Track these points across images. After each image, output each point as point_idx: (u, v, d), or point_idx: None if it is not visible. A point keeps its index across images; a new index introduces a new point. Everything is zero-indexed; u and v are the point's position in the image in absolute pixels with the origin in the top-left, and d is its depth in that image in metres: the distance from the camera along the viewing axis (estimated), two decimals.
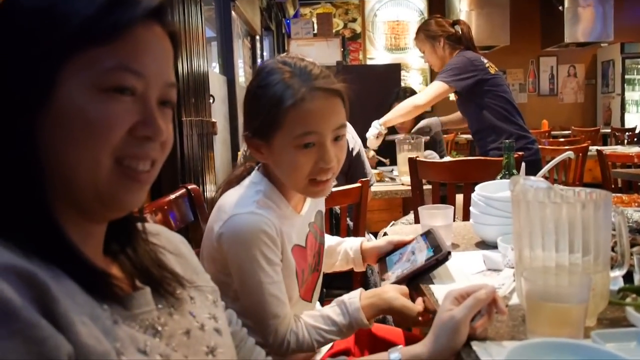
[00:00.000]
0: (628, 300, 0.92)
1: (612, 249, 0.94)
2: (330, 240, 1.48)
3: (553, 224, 0.87)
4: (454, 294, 0.89)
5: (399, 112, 2.98)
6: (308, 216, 1.26)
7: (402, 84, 5.73)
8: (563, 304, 0.81)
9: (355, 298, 1.15)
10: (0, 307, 0.46)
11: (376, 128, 2.99)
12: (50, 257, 0.55)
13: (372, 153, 3.10)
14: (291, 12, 7.05)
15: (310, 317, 1.15)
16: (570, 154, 1.38)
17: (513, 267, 1.18)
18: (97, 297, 0.57)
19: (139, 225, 0.74)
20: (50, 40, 0.57)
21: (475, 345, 0.84)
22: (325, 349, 1.31)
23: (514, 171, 1.57)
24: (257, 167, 1.23)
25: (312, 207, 1.29)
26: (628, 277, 0.96)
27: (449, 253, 1.18)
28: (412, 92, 3.69)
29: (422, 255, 1.22)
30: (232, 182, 1.24)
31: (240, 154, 1.30)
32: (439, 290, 1.11)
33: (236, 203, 1.13)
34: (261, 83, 1.10)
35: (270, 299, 1.09)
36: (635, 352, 0.78)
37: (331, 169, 1.11)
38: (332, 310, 1.16)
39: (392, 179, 3.08)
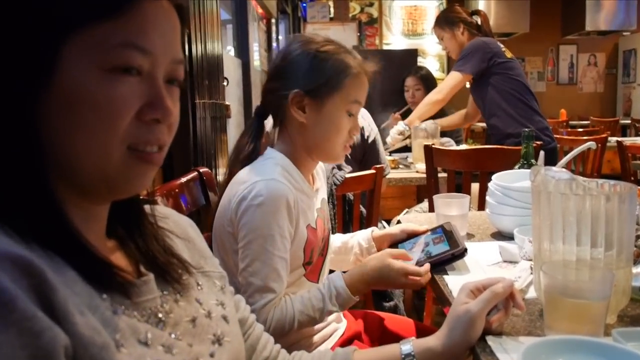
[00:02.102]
0: None
1: (635, 244, 0.91)
2: (341, 237, 1.48)
3: (575, 217, 0.83)
4: (470, 286, 0.86)
5: (421, 111, 3.01)
6: (317, 201, 1.27)
7: None
8: (583, 300, 0.78)
9: (337, 272, 1.18)
10: None
11: (402, 127, 3.01)
12: (49, 243, 0.53)
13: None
14: None
15: (299, 298, 1.15)
16: (592, 144, 1.34)
17: (530, 260, 1.15)
18: (96, 285, 0.55)
19: (147, 207, 0.72)
20: (50, 15, 0.54)
21: (491, 340, 0.82)
22: (336, 336, 1.30)
23: (533, 161, 1.53)
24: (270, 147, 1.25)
25: (320, 192, 1.30)
26: None
27: (466, 250, 1.15)
28: (428, 72, 3.66)
29: (437, 248, 1.20)
30: (242, 161, 1.24)
31: (267, 130, 1.29)
32: (454, 282, 1.08)
33: (256, 173, 1.15)
34: (321, 49, 1.18)
35: (270, 271, 1.09)
36: None
37: (353, 139, 1.25)
38: (316, 288, 1.16)
39: (407, 166, 3.05)
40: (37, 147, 0.55)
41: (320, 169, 1.37)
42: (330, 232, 1.36)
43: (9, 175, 0.54)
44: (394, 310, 2.20)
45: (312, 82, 1.17)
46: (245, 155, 1.24)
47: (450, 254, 1.15)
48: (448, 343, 0.83)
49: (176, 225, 0.78)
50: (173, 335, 0.62)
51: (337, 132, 1.20)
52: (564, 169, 0.88)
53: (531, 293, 1.00)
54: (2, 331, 0.43)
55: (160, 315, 0.62)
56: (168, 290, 0.67)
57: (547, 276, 0.81)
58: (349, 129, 1.21)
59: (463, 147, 2.92)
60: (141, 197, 0.72)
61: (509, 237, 1.32)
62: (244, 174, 1.18)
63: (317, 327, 1.24)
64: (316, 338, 1.25)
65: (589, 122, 7.27)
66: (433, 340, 0.85)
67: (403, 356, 0.85)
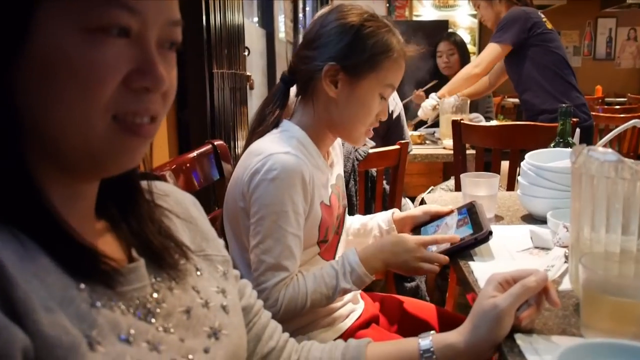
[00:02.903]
0: None
1: None
2: (360, 219, 1.40)
3: (621, 204, 0.74)
4: (498, 278, 0.78)
5: (457, 83, 2.87)
6: (331, 177, 1.20)
7: None
8: (627, 298, 0.69)
9: (352, 248, 1.12)
10: None
11: (434, 100, 2.89)
12: (22, 225, 0.47)
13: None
14: None
15: (311, 275, 1.09)
16: (637, 122, 1.22)
17: (565, 247, 1.06)
18: (74, 274, 0.49)
19: (144, 183, 0.65)
20: None
21: (520, 339, 0.73)
22: (352, 317, 1.24)
23: (570, 139, 1.42)
24: (287, 119, 1.19)
25: (336, 167, 1.25)
26: None
27: (490, 233, 1.06)
28: (461, 39, 3.53)
29: (460, 231, 1.12)
30: (264, 130, 1.17)
31: (292, 97, 1.23)
32: (479, 269, 1.00)
33: (270, 145, 1.09)
34: (367, 24, 1.11)
35: (283, 249, 1.04)
36: None
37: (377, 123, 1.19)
38: (329, 265, 1.11)
39: (434, 142, 2.94)
40: (11, 117, 0.48)
41: (337, 143, 1.29)
42: (346, 209, 1.29)
43: None
44: (416, 291, 2.13)
45: (352, 58, 1.10)
46: (269, 124, 1.17)
47: (473, 239, 1.06)
48: (471, 340, 0.75)
49: (177, 204, 0.71)
50: (161, 329, 0.55)
51: (365, 113, 1.14)
52: (609, 149, 0.78)
53: (565, 284, 0.91)
54: None
55: (148, 306, 0.55)
56: (162, 277, 0.60)
57: (586, 269, 0.72)
58: (377, 112, 1.16)
59: (493, 123, 2.80)
60: (138, 173, 0.65)
61: (541, 221, 1.23)
62: (258, 145, 1.11)
63: (332, 306, 1.18)
64: (330, 319, 1.19)
65: (625, 99, 6.99)
66: (455, 336, 0.77)
67: (421, 352, 0.78)
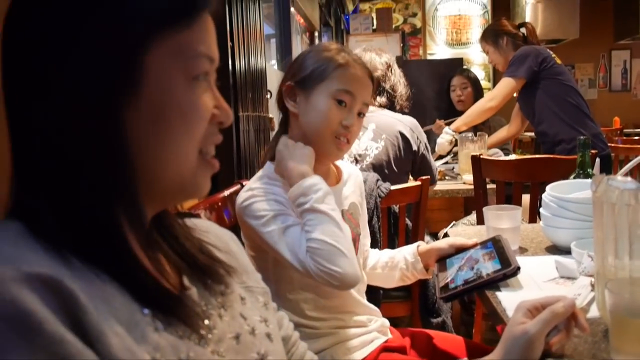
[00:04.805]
0: None
1: None
2: (388, 252, 1.45)
3: None
4: (527, 305, 0.80)
5: (471, 117, 2.95)
6: (340, 201, 1.28)
7: None
8: None
9: None
10: (23, 319, 0.42)
11: (449, 135, 2.95)
12: (97, 257, 0.52)
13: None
14: (350, 7, 6.96)
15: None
16: None
17: (590, 275, 1.08)
18: (140, 299, 0.53)
19: (179, 220, 0.70)
20: (133, 25, 0.54)
21: None
22: (376, 343, 1.27)
23: (590, 170, 1.45)
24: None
25: (347, 192, 1.33)
26: None
27: (519, 268, 1.08)
28: (474, 74, 3.63)
29: (488, 266, 1.13)
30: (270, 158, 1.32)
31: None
32: (507, 299, 1.02)
33: (246, 186, 1.24)
34: (313, 49, 1.30)
35: (291, 240, 1.12)
36: None
37: (351, 132, 1.25)
38: None
39: (453, 177, 2.97)
40: (123, 154, 0.54)
41: (354, 177, 1.38)
42: (359, 236, 1.35)
43: (87, 190, 0.52)
44: (442, 326, 2.12)
45: (300, 74, 1.26)
46: (273, 154, 1.29)
47: (502, 274, 1.08)
48: None
49: (217, 239, 0.76)
50: (216, 355, 0.59)
51: (325, 119, 1.23)
52: (629, 178, 0.81)
53: (593, 312, 0.93)
54: (31, 355, 0.41)
55: (202, 332, 0.59)
56: (212, 304, 0.64)
57: (612, 294, 0.75)
58: (340, 119, 1.23)
59: (512, 157, 2.83)
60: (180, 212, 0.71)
61: (565, 252, 1.25)
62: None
63: (355, 331, 1.25)
64: (355, 342, 1.24)
65: None
66: None
67: None
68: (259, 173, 1.29)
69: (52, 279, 0.45)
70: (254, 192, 1.19)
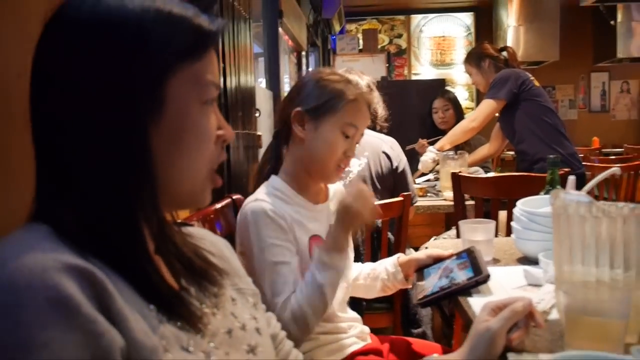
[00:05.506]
0: None
1: None
2: (369, 265, 1.53)
3: (594, 239, 0.87)
4: (491, 305, 0.90)
5: (455, 136, 3.09)
6: (328, 217, 1.35)
7: None
8: (603, 318, 0.81)
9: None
10: (64, 302, 0.50)
11: (433, 153, 3.08)
12: (116, 259, 0.59)
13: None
14: (337, 28, 7.12)
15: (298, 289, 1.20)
16: (616, 170, 1.36)
17: (554, 283, 1.17)
18: (146, 295, 0.61)
19: (175, 227, 0.77)
20: (159, 58, 0.63)
21: (512, 357, 0.85)
22: (355, 346, 1.36)
23: (559, 187, 1.55)
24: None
25: (333, 208, 1.36)
26: None
27: (488, 276, 1.18)
28: (454, 95, 3.80)
29: (462, 274, 1.22)
30: (260, 180, 1.39)
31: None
32: (477, 304, 1.11)
33: (248, 199, 1.31)
34: (321, 77, 1.34)
35: (277, 277, 1.19)
36: None
37: (349, 160, 1.35)
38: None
39: (435, 194, 3.07)
40: (149, 170, 0.63)
41: (339, 193, 1.44)
42: (353, 255, 1.42)
43: (113, 200, 0.61)
44: (422, 337, 2.21)
45: (312, 103, 1.31)
46: (264, 176, 1.37)
47: (474, 281, 1.17)
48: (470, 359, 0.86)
49: (212, 245, 0.84)
50: (212, 344, 0.67)
51: (330, 150, 1.31)
52: (583, 193, 0.91)
53: (554, 314, 1.02)
54: (70, 332, 0.49)
55: (200, 326, 0.67)
56: (206, 304, 0.72)
57: (567, 296, 0.84)
58: (344, 150, 1.32)
59: (491, 174, 2.94)
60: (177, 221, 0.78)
61: (535, 262, 1.34)
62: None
63: (335, 336, 1.33)
64: (334, 346, 1.33)
65: (622, 149, 7.15)
66: (455, 356, 0.88)
67: None
68: (261, 187, 1.34)
69: (87, 270, 0.53)
70: (264, 206, 1.24)
